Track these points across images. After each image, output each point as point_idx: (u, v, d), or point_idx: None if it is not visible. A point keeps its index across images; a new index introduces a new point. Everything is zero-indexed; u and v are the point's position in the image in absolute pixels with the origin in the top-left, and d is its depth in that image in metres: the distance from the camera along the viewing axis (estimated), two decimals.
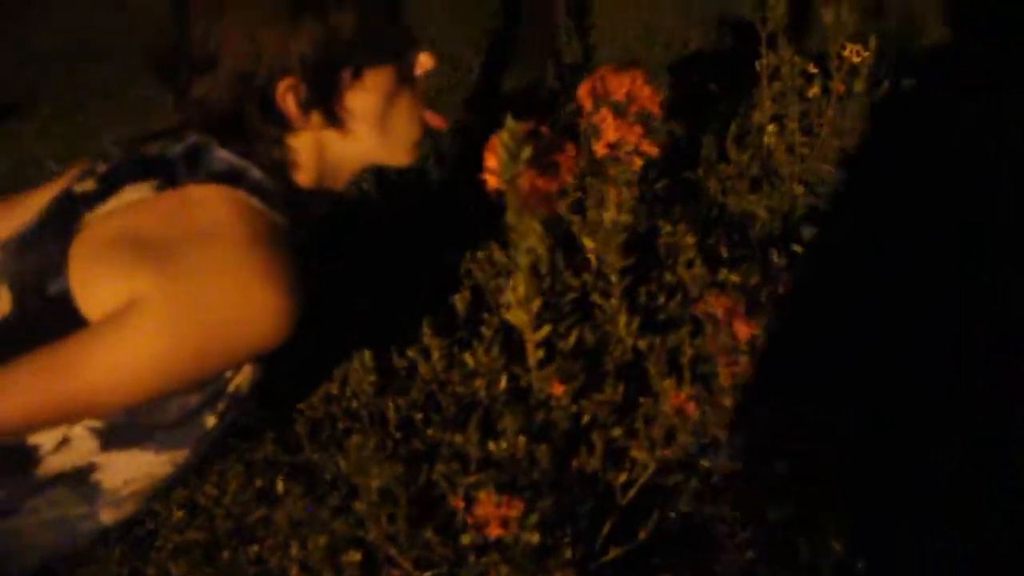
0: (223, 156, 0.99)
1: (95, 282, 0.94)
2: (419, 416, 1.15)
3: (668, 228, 1.42)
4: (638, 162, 1.08)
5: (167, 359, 0.92)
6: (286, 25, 0.92)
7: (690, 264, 1.32)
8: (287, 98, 0.95)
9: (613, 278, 1.14)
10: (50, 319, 0.94)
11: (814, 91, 1.58)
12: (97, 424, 0.99)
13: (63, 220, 0.99)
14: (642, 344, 1.13)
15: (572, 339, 1.17)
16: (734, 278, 1.19)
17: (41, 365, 0.93)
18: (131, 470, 1.05)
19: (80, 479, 1.04)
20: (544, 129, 0.99)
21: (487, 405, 1.14)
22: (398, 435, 1.11)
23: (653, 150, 1.07)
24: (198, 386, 0.99)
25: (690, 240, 1.41)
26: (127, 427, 1.01)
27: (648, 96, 1.04)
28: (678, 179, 1.71)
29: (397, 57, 1.01)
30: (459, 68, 2.96)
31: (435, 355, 1.13)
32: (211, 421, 1.04)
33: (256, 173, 0.98)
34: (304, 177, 1.03)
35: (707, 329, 1.01)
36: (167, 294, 0.90)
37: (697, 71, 2.26)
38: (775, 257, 1.38)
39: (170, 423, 1.02)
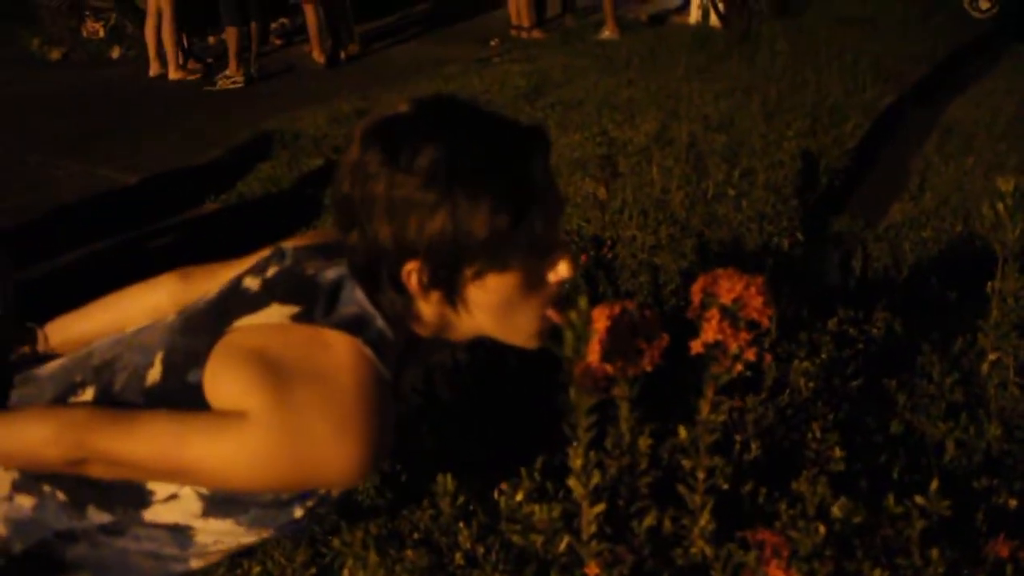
0: (358, 298, 1.09)
1: (221, 382, 1.07)
2: (480, 550, 1.17)
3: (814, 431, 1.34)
4: (738, 367, 1.05)
5: (255, 471, 1.04)
6: (423, 212, 1.00)
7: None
8: (411, 277, 1.04)
9: (700, 474, 1.10)
10: (184, 401, 1.08)
11: None
12: (203, 491, 1.12)
13: (220, 317, 1.12)
14: (707, 549, 1.08)
15: (647, 521, 1.14)
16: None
17: (164, 428, 1.07)
18: (223, 535, 1.16)
19: (179, 530, 1.16)
20: (631, 306, 0.99)
21: (543, 561, 1.13)
22: (422, 561, 1.14)
23: (752, 355, 1.03)
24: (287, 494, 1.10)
25: (838, 453, 1.32)
26: (227, 500, 1.12)
27: (758, 306, 1.01)
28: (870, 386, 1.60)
29: (526, 265, 1.05)
30: None
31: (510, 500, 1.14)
32: (299, 512, 1.14)
33: (379, 323, 1.07)
34: (424, 331, 1.11)
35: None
36: (272, 418, 1.02)
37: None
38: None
39: (264, 504, 1.12)
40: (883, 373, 1.53)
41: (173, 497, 1.14)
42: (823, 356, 1.47)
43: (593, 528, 1.06)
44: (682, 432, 1.12)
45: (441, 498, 1.20)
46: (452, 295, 1.06)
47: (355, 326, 1.06)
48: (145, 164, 5.27)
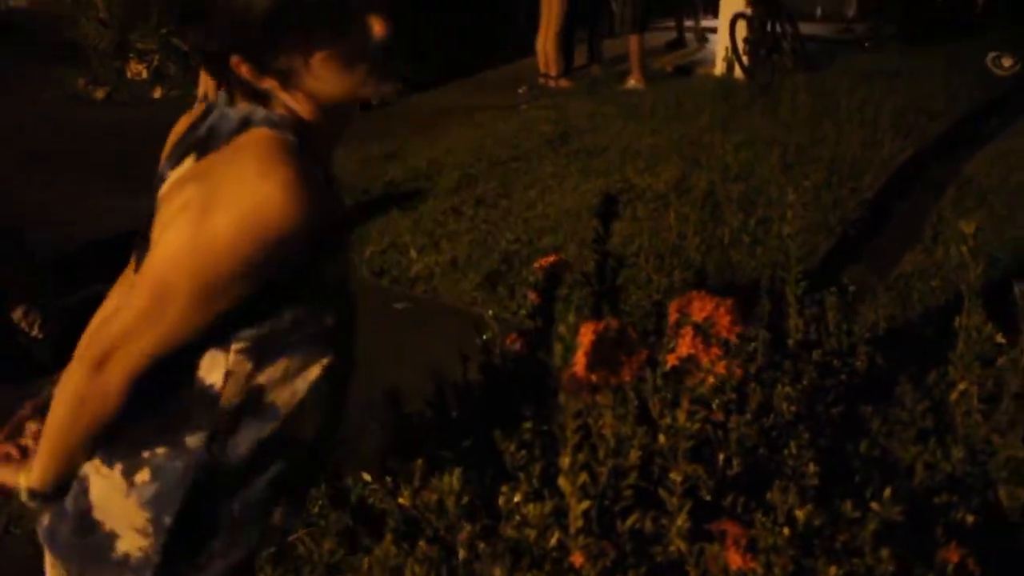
0: (234, 112, 1.20)
1: (161, 219, 1.17)
2: (481, 545, 1.30)
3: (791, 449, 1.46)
4: (710, 379, 1.17)
5: (209, 247, 1.10)
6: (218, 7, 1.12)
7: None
8: (239, 68, 1.15)
9: (677, 478, 1.22)
10: None
11: (1001, 361, 1.55)
12: (241, 344, 1.20)
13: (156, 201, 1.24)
14: (682, 546, 1.19)
15: (630, 520, 1.26)
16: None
17: (131, 290, 1.18)
18: (293, 382, 1.25)
19: (258, 405, 1.24)
20: (615, 323, 1.12)
21: (537, 555, 1.25)
22: (432, 554, 1.26)
23: (722, 370, 1.16)
24: (261, 274, 1.14)
25: (812, 469, 1.43)
26: (261, 341, 1.20)
27: (726, 324, 1.14)
28: (849, 408, 1.72)
29: (338, 31, 1.14)
30: None
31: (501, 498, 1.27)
32: (329, 320, 1.25)
33: (261, 111, 1.18)
34: (302, 109, 1.19)
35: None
36: (202, 193, 1.12)
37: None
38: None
39: (293, 327, 1.22)
40: (862, 401, 1.64)
41: (228, 375, 1.21)
42: (805, 383, 1.59)
43: (580, 523, 1.19)
44: (661, 438, 1.24)
45: (447, 497, 1.33)
46: (282, 75, 1.16)
47: (241, 125, 1.17)
48: None
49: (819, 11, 12.40)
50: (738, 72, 8.43)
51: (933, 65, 8.79)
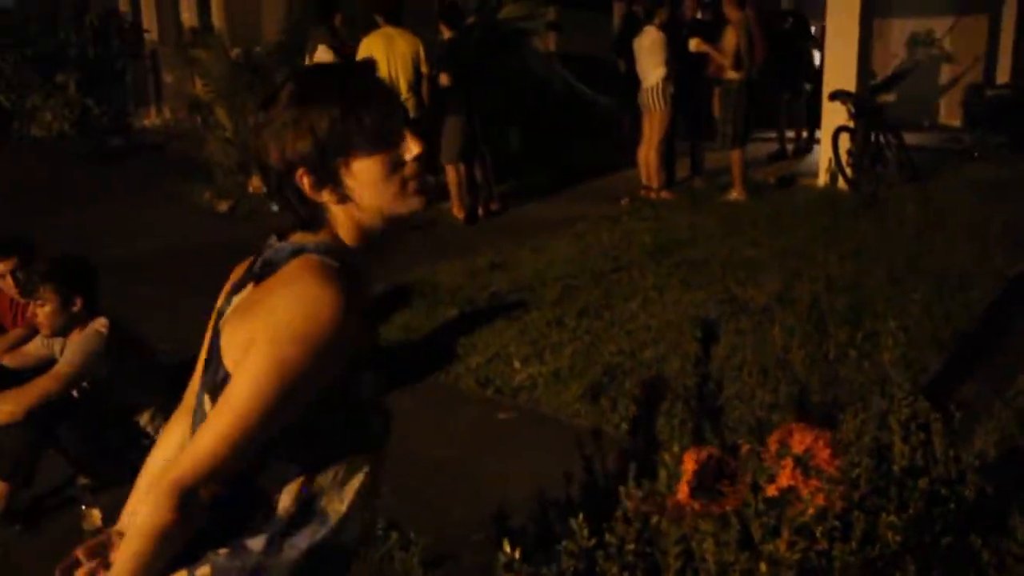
0: (287, 245, 1.42)
1: (229, 346, 1.37)
2: None
3: None
4: (810, 510, 1.20)
5: (280, 369, 1.29)
6: (289, 126, 1.37)
7: None
8: (303, 180, 1.38)
9: None
10: None
11: None
12: (295, 454, 1.39)
13: (216, 330, 1.44)
14: None
15: None
16: None
17: (211, 417, 1.34)
18: (342, 490, 1.43)
19: (311, 511, 1.41)
20: (715, 452, 1.17)
21: None
22: None
23: (821, 501, 1.19)
24: (319, 383, 1.34)
25: None
26: (313, 451, 1.40)
27: (826, 457, 1.18)
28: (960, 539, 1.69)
29: (379, 146, 1.39)
30: None
31: None
32: (370, 430, 1.47)
33: (311, 242, 1.41)
34: (347, 236, 1.43)
35: None
36: (266, 326, 1.31)
37: None
38: None
39: (340, 439, 1.42)
40: (971, 532, 1.62)
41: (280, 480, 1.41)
42: (911, 511, 1.58)
43: None
44: (763, 567, 1.27)
45: None
46: (337, 187, 1.40)
47: (294, 252, 1.39)
48: None
49: (927, 121, 12.32)
50: (842, 183, 8.42)
51: None
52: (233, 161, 9.12)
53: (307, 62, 7.75)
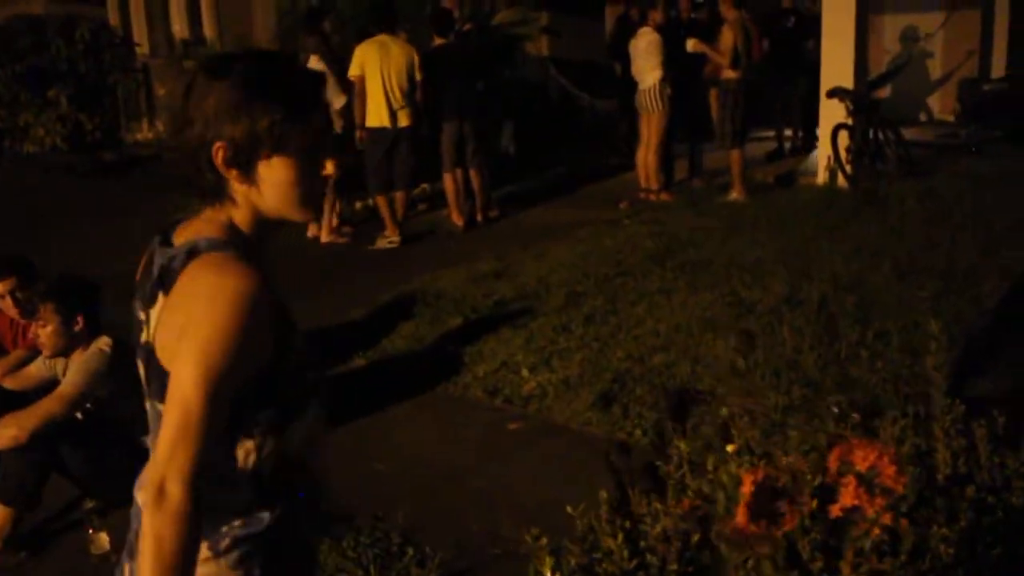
0: (178, 250, 1.47)
1: (164, 353, 1.45)
2: None
3: None
4: (876, 531, 1.14)
5: (209, 346, 1.37)
6: (231, 107, 1.43)
7: None
8: (218, 153, 1.43)
9: None
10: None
11: None
12: (261, 427, 1.48)
13: (147, 348, 1.51)
14: None
15: None
16: None
17: (166, 416, 1.37)
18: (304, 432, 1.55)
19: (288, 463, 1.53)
20: (772, 472, 1.11)
21: None
22: None
23: (889, 519, 1.13)
24: (254, 352, 1.42)
25: None
26: (271, 419, 1.49)
27: (891, 475, 1.12)
28: None
29: (301, 156, 1.46)
30: None
31: None
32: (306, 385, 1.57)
33: (202, 241, 1.46)
34: (242, 216, 1.50)
35: None
36: (188, 319, 1.39)
37: None
38: None
39: (287, 401, 1.52)
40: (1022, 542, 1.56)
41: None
42: (962, 523, 1.53)
43: None
44: None
45: None
46: (248, 173, 1.45)
47: (189, 256, 1.44)
48: (298, 320, 5.67)
49: (923, 116, 12.29)
50: (841, 180, 8.37)
51: None
52: None
53: None
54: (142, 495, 1.43)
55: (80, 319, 3.50)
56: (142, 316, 1.51)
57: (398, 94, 7.32)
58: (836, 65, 8.46)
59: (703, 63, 8.75)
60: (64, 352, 3.54)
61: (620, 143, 10.51)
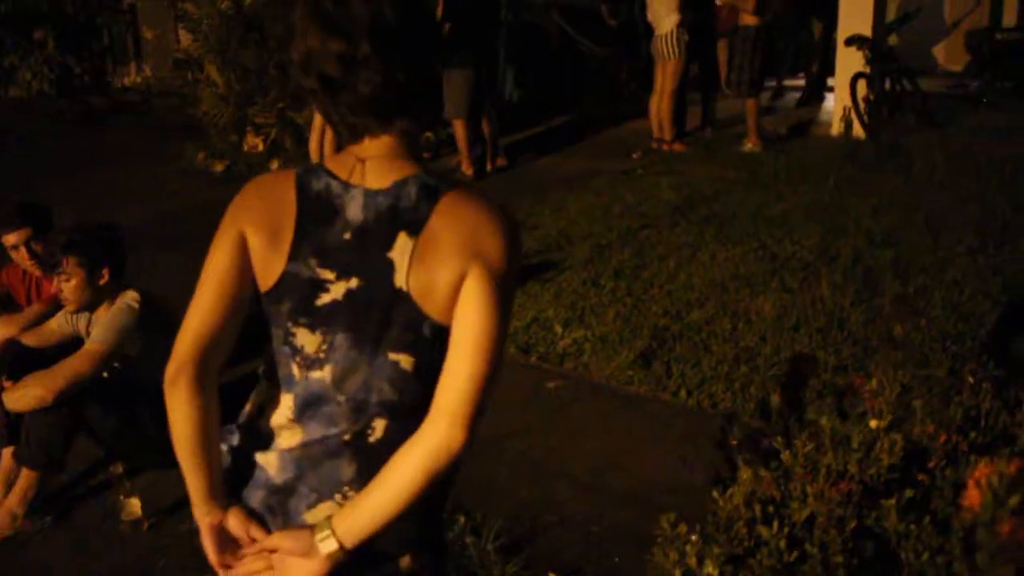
0: (406, 189, 1.43)
1: (429, 299, 1.43)
2: None
3: None
4: None
5: (510, 296, 1.41)
6: None
7: None
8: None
9: None
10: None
11: None
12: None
13: (394, 291, 1.46)
14: None
15: None
16: None
17: (466, 360, 1.40)
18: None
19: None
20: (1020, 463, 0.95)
21: None
22: None
23: None
24: None
25: None
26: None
27: None
28: None
29: None
30: None
31: None
32: None
33: (431, 179, 1.43)
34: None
35: None
36: (483, 263, 1.39)
37: None
38: None
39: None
40: None
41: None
42: None
43: None
44: None
45: None
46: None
47: (433, 193, 1.41)
48: None
49: (932, 66, 12.07)
50: (856, 131, 8.20)
51: None
52: (227, 119, 8.75)
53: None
54: (446, 435, 1.36)
55: (106, 272, 3.29)
56: (324, 274, 1.40)
57: None
58: (854, 12, 8.24)
59: (716, 9, 8.52)
60: (89, 307, 3.34)
61: (619, 90, 10.30)
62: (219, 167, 8.54)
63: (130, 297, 3.28)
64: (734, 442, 1.93)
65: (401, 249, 1.36)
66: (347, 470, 1.42)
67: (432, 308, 1.37)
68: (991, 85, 10.29)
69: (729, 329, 4.31)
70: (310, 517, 1.43)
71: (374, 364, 1.40)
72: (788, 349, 4.07)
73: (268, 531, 1.44)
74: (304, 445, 1.44)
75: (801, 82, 10.29)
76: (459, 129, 7.63)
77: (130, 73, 13.61)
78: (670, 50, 7.94)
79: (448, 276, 1.34)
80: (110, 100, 11.99)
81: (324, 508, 1.42)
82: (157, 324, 3.26)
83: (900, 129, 8.16)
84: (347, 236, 1.39)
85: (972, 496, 0.99)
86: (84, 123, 10.77)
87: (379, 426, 1.41)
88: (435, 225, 1.35)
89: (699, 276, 4.97)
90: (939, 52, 12.48)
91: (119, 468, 3.42)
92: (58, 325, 3.48)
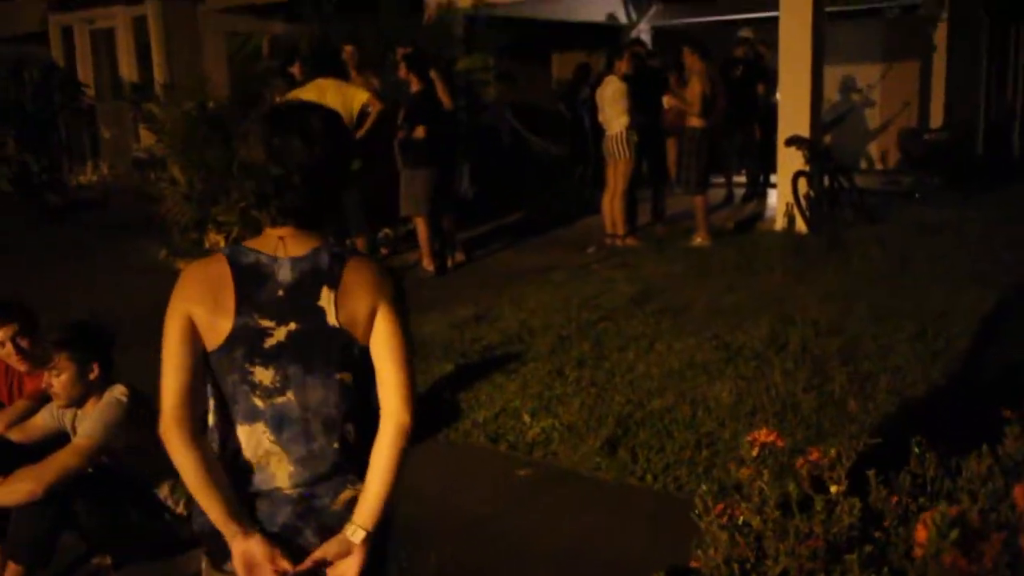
0: (319, 255, 1.94)
1: (355, 326, 1.94)
2: None
3: None
4: None
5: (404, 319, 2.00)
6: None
7: None
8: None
9: None
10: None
11: None
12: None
13: (328, 330, 1.97)
14: None
15: None
16: None
17: (394, 366, 1.97)
18: None
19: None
20: (975, 518, 1.15)
21: None
22: None
23: None
24: None
25: None
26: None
27: None
28: None
29: None
30: None
31: None
32: None
33: (336, 248, 1.99)
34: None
35: None
36: (386, 299, 1.96)
37: None
38: None
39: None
40: None
41: None
42: None
43: None
44: None
45: None
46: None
47: (341, 259, 1.94)
48: None
49: (863, 163, 12.72)
50: (799, 226, 8.62)
51: (987, 216, 8.90)
52: (190, 218, 8.90)
53: None
54: (400, 420, 1.87)
55: (96, 367, 3.40)
56: (265, 323, 1.85)
57: None
58: (793, 114, 8.74)
59: (663, 111, 8.98)
60: (77, 402, 3.44)
61: (573, 187, 10.68)
62: (181, 265, 8.64)
63: (118, 391, 3.39)
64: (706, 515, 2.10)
65: (326, 299, 1.86)
66: (346, 468, 1.90)
67: (358, 335, 1.87)
68: (922, 182, 10.88)
69: (689, 416, 4.51)
70: (336, 505, 1.89)
71: (327, 384, 1.87)
72: (745, 433, 4.27)
73: (292, 549, 1.86)
74: (299, 462, 1.87)
75: (743, 179, 10.76)
76: (420, 227, 7.87)
77: (86, 172, 13.73)
78: (620, 150, 8.33)
79: (365, 312, 1.87)
80: (65, 198, 12.07)
81: (343, 496, 1.90)
82: (143, 418, 3.38)
83: (839, 224, 8.61)
84: (280, 293, 1.86)
85: (920, 534, 1.19)
86: (42, 221, 10.83)
87: (351, 429, 1.90)
88: (348, 279, 1.87)
89: (657, 366, 5.19)
90: (872, 150, 13.16)
91: (106, 560, 3.47)
92: (44, 420, 3.56)
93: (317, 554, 1.85)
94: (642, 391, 4.85)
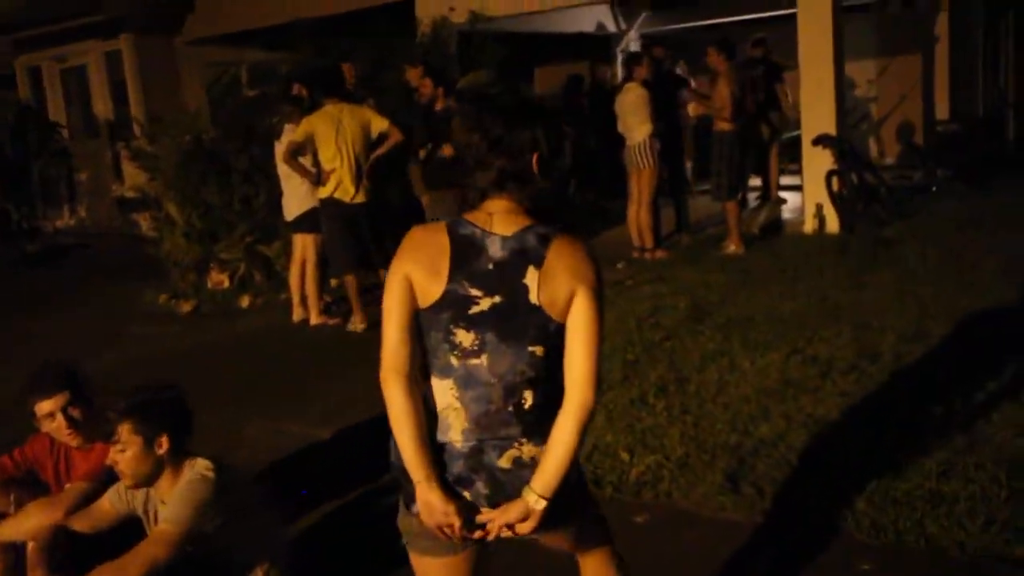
0: (525, 235, 2.06)
1: (554, 305, 2.04)
2: None
3: None
4: None
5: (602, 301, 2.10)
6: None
7: None
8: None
9: None
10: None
11: None
12: None
13: (527, 305, 2.09)
14: None
15: None
16: None
17: (585, 346, 2.06)
18: None
19: None
20: None
21: None
22: None
23: None
24: None
25: None
26: None
27: None
28: None
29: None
30: None
31: None
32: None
33: (541, 228, 2.09)
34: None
35: None
36: (584, 280, 2.06)
37: None
38: None
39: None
40: None
41: None
42: None
43: None
44: None
45: None
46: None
47: (545, 239, 2.06)
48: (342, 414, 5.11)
49: (876, 159, 12.45)
50: (832, 226, 8.29)
51: (1017, 205, 8.63)
52: (190, 258, 8.36)
53: (277, 144, 7.15)
54: (585, 396, 1.99)
55: (164, 440, 2.91)
56: (474, 292, 1.99)
57: (351, 170, 6.59)
58: (818, 113, 8.42)
59: (684, 116, 8.65)
60: (147, 482, 2.94)
61: (580, 202, 10.29)
62: (186, 307, 8.10)
63: (202, 466, 2.90)
64: None
65: (531, 277, 2.00)
66: (514, 429, 2.03)
67: (555, 314, 1.99)
68: (932, 175, 10.62)
69: (805, 442, 4.10)
70: (503, 462, 2.02)
71: (519, 354, 2.00)
72: (871, 456, 3.87)
73: (463, 501, 2.02)
74: (475, 419, 2.01)
75: (759, 183, 10.44)
76: None
77: (63, 216, 13.12)
78: (644, 159, 7.94)
79: (565, 293, 1.99)
80: (43, 244, 11.49)
81: (509, 454, 2.02)
82: (235, 496, 2.89)
83: (873, 222, 8.29)
84: (490, 267, 2.01)
85: None
86: (24, 267, 10.25)
87: (528, 396, 2.02)
88: (551, 261, 2.00)
89: (747, 385, 4.77)
90: (875, 145, 12.91)
91: None
92: (111, 505, 3.04)
93: (500, 519, 2.01)
94: (743, 416, 4.42)
